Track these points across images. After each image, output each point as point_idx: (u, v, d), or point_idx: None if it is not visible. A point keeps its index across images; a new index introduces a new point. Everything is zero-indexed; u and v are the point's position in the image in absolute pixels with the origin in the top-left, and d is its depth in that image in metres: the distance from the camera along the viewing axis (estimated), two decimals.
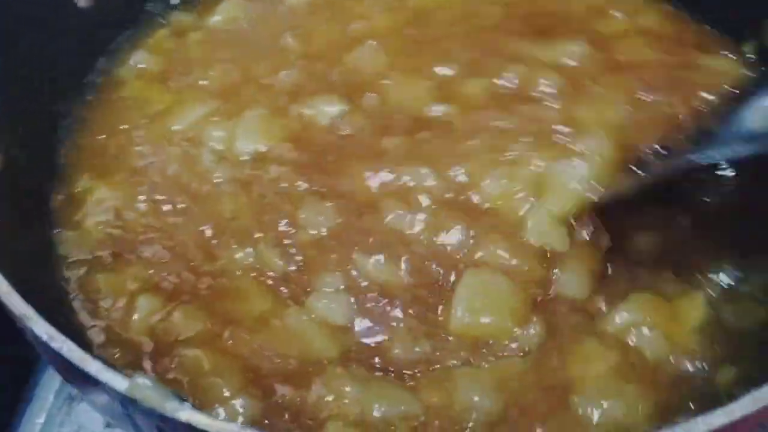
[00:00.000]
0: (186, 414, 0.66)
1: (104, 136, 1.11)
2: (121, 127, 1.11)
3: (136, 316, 0.89)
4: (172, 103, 1.12)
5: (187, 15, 1.29)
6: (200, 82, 1.14)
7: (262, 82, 1.12)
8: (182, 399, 0.68)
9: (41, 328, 0.73)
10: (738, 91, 0.94)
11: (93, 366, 0.70)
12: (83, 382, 0.73)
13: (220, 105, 1.09)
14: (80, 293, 0.93)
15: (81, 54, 1.16)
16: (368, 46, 1.12)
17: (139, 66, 1.20)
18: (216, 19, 1.27)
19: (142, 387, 0.69)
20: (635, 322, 0.86)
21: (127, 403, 0.69)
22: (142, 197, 1.01)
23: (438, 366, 0.85)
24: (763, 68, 1.09)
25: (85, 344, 0.81)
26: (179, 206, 0.99)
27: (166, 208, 0.99)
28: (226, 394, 0.81)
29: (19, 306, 0.75)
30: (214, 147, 1.04)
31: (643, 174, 0.90)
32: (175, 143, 1.05)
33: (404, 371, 0.84)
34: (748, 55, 1.12)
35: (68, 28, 1.13)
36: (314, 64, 1.13)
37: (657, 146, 0.91)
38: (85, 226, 0.99)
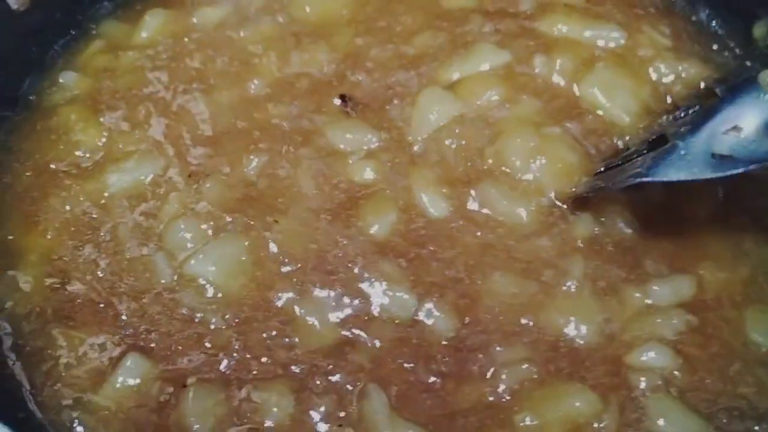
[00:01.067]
0: None
1: (30, 174, 1.10)
2: (51, 166, 1.10)
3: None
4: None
5: (120, 25, 1.29)
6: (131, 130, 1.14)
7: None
8: None
9: None
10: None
11: None
12: None
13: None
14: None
15: (10, 67, 1.10)
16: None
17: (69, 89, 1.19)
18: (143, 35, 1.27)
19: None
20: None
21: None
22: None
23: None
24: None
25: None
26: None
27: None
28: None
29: None
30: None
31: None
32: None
33: None
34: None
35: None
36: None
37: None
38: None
